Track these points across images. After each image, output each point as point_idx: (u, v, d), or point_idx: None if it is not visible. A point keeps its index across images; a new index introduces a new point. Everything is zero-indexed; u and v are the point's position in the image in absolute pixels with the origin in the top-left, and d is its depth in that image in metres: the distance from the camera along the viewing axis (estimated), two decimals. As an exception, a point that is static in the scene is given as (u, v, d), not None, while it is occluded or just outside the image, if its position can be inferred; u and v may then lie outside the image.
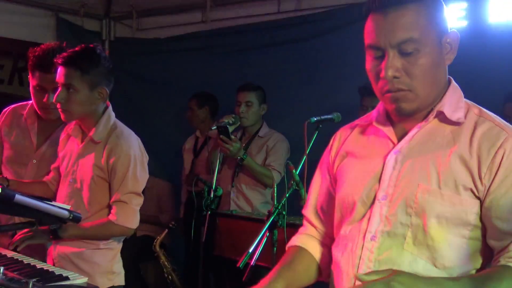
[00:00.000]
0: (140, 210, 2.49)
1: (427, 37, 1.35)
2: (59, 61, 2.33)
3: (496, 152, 1.32)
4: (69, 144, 2.54)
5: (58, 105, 2.36)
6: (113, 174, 2.37)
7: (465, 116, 1.41)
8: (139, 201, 2.44)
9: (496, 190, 1.31)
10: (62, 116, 2.39)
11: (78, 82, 2.32)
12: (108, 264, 2.44)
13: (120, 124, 2.49)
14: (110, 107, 2.49)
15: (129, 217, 2.40)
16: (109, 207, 2.42)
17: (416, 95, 1.37)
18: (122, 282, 2.50)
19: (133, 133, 2.48)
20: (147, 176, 2.49)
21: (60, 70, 2.34)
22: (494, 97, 3.08)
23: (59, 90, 2.35)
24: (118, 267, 2.48)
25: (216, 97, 4.50)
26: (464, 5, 3.55)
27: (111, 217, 2.37)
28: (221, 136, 3.59)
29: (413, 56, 1.34)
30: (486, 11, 3.46)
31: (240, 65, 4.53)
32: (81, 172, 2.42)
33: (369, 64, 1.42)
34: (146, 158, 2.48)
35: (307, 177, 2.51)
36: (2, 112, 2.87)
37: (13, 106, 2.87)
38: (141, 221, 2.39)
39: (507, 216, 1.30)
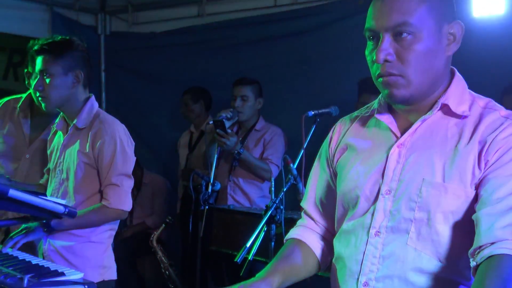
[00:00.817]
0: (136, 205, 2.48)
1: (424, 23, 1.32)
2: (35, 50, 2.38)
3: (496, 135, 1.31)
4: (55, 139, 2.54)
5: (38, 94, 2.39)
6: (100, 158, 2.37)
7: (470, 109, 1.38)
8: (130, 183, 2.43)
9: (490, 168, 1.30)
10: (42, 106, 2.42)
11: (52, 66, 2.35)
12: (99, 258, 2.42)
13: (104, 112, 2.51)
14: (93, 97, 2.50)
15: (122, 199, 2.39)
16: (98, 193, 2.41)
17: (408, 81, 1.34)
18: (114, 276, 2.48)
19: (117, 120, 2.49)
20: (134, 158, 2.49)
21: (37, 60, 2.38)
22: (481, 92, 3.07)
23: (36, 79, 2.38)
24: (109, 261, 2.47)
25: (210, 91, 4.48)
26: (449, -1, 3.53)
27: (104, 201, 2.36)
28: (217, 130, 3.57)
29: (407, 41, 1.32)
30: (470, 5, 3.45)
31: (236, 59, 4.51)
32: (67, 162, 2.42)
33: (367, 48, 1.40)
34: (132, 143, 2.48)
35: (304, 171, 2.49)
36: None
37: (6, 98, 2.84)
38: (128, 231, 2.40)
39: (492, 192, 1.27)
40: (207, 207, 3.15)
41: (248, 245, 2.17)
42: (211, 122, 3.65)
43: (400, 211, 1.36)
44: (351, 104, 3.33)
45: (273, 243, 2.54)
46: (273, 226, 2.52)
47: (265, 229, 2.37)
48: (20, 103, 2.76)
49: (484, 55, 3.26)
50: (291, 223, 1.83)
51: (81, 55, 2.43)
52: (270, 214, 2.41)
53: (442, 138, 1.37)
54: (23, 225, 2.33)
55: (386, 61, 1.34)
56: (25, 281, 1.62)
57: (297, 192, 2.69)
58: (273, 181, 2.80)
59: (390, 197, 1.38)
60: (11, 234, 2.32)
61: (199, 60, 4.73)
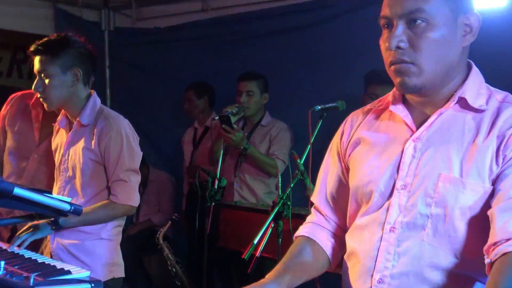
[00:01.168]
0: (143, 202, 2.48)
1: (438, 11, 1.30)
2: (31, 51, 2.36)
3: None
4: (58, 137, 2.52)
5: (38, 95, 2.38)
6: (107, 155, 2.35)
7: (487, 103, 1.35)
8: (137, 178, 2.42)
9: (508, 163, 1.27)
10: (44, 106, 2.41)
11: (50, 67, 2.33)
12: (109, 255, 2.42)
13: (107, 108, 2.49)
14: (95, 94, 2.48)
15: (130, 195, 2.38)
16: (106, 190, 2.39)
17: (420, 70, 1.32)
18: (122, 274, 2.48)
19: (121, 115, 2.47)
20: (141, 153, 2.48)
21: (34, 61, 2.36)
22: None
23: (36, 80, 2.36)
24: (118, 258, 2.46)
25: (215, 87, 4.46)
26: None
27: (112, 197, 2.35)
28: (223, 125, 3.55)
29: (420, 28, 1.30)
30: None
31: (241, 54, 4.48)
32: (72, 159, 2.40)
33: (382, 37, 1.38)
34: (137, 137, 2.47)
35: (312, 167, 2.47)
36: (8, 99, 2.81)
37: (20, 93, 2.82)
38: (134, 228, 2.36)
39: (509, 188, 1.24)
40: (213, 203, 3.13)
41: (255, 242, 2.15)
42: (216, 118, 3.62)
43: (416, 206, 1.33)
44: (358, 98, 3.30)
45: (280, 240, 2.52)
46: (281, 223, 2.50)
47: (273, 225, 2.35)
48: (33, 100, 2.74)
49: (485, 49, 3.21)
50: (298, 219, 1.81)
51: (79, 52, 2.39)
52: (278, 211, 2.39)
53: (459, 132, 1.34)
54: (31, 223, 2.32)
55: (398, 48, 1.32)
56: (32, 279, 1.60)
57: (305, 187, 2.67)
58: (279, 177, 2.78)
59: (405, 192, 1.35)
60: (18, 233, 2.31)
61: (203, 55, 4.70)
